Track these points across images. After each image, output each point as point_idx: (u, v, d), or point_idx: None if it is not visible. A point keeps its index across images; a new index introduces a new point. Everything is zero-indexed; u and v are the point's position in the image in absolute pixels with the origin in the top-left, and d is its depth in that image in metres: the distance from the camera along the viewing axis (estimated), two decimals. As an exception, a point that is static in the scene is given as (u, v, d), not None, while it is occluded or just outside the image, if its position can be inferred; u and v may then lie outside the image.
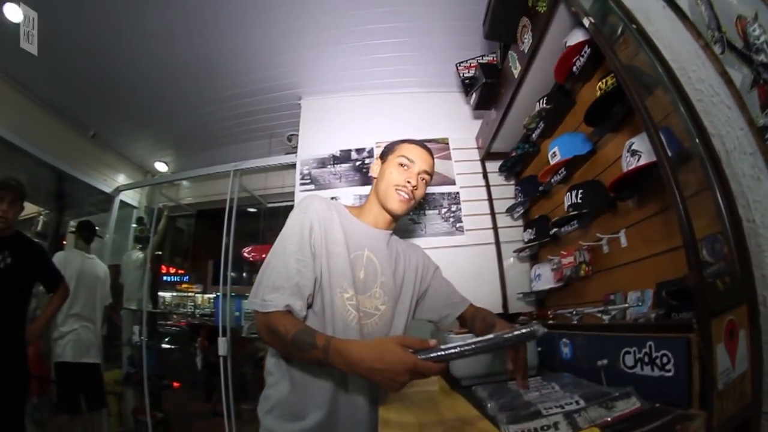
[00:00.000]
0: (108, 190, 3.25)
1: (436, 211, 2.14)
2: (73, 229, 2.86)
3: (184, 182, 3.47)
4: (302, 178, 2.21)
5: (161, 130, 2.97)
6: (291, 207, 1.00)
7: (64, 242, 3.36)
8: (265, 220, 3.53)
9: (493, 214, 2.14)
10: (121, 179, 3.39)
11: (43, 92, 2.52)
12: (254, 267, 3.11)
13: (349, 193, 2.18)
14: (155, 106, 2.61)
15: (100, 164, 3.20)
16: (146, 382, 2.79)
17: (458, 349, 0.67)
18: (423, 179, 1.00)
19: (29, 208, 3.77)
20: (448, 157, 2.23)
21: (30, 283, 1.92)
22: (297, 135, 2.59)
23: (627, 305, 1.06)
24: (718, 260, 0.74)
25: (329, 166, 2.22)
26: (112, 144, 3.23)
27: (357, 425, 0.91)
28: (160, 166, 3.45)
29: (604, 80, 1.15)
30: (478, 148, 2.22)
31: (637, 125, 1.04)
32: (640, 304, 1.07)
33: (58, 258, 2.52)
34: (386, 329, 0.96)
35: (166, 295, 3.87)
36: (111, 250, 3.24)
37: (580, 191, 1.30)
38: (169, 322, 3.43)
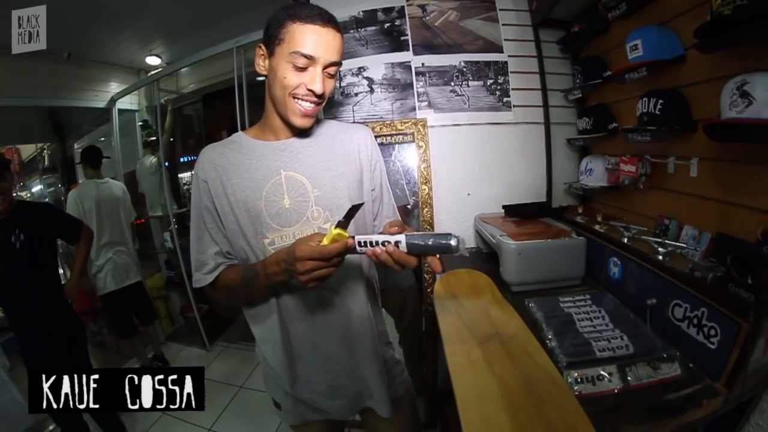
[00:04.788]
0: (102, 104, 2.96)
1: (481, 83, 1.86)
2: (78, 161, 2.69)
3: (183, 69, 3.04)
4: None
5: (143, 21, 2.49)
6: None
7: (77, 164, 3.17)
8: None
9: (544, 90, 1.84)
10: (114, 87, 3.04)
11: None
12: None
13: (379, 61, 1.84)
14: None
15: (85, 81, 2.86)
16: (187, 282, 2.83)
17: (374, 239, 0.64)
18: (330, 75, 0.75)
19: (30, 149, 3.57)
20: (495, 20, 1.85)
21: (52, 246, 1.84)
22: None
23: (684, 245, 1.02)
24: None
25: (352, 31, 1.85)
26: (93, 56, 2.81)
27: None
28: (153, 60, 3.02)
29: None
30: (530, 11, 1.81)
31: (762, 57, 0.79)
32: (695, 247, 1.02)
33: (71, 198, 2.42)
34: None
35: (184, 175, 3.64)
36: (122, 158, 3.06)
37: (659, 102, 1.07)
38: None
